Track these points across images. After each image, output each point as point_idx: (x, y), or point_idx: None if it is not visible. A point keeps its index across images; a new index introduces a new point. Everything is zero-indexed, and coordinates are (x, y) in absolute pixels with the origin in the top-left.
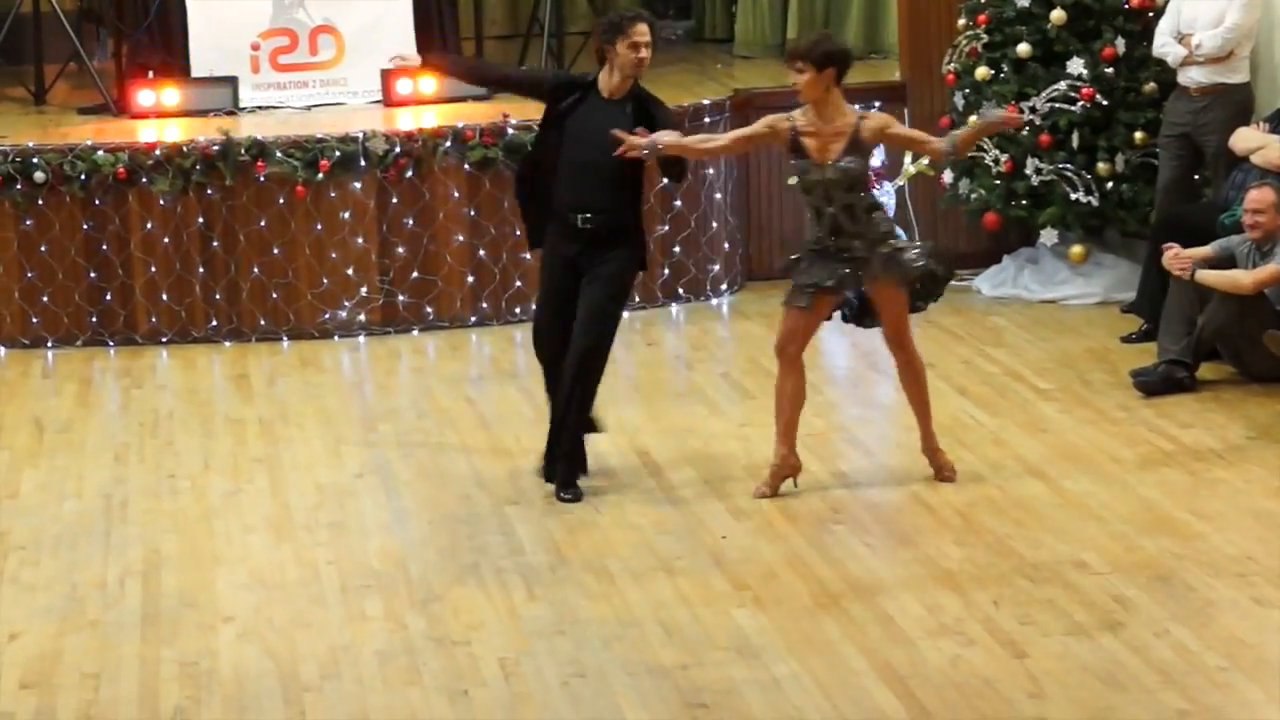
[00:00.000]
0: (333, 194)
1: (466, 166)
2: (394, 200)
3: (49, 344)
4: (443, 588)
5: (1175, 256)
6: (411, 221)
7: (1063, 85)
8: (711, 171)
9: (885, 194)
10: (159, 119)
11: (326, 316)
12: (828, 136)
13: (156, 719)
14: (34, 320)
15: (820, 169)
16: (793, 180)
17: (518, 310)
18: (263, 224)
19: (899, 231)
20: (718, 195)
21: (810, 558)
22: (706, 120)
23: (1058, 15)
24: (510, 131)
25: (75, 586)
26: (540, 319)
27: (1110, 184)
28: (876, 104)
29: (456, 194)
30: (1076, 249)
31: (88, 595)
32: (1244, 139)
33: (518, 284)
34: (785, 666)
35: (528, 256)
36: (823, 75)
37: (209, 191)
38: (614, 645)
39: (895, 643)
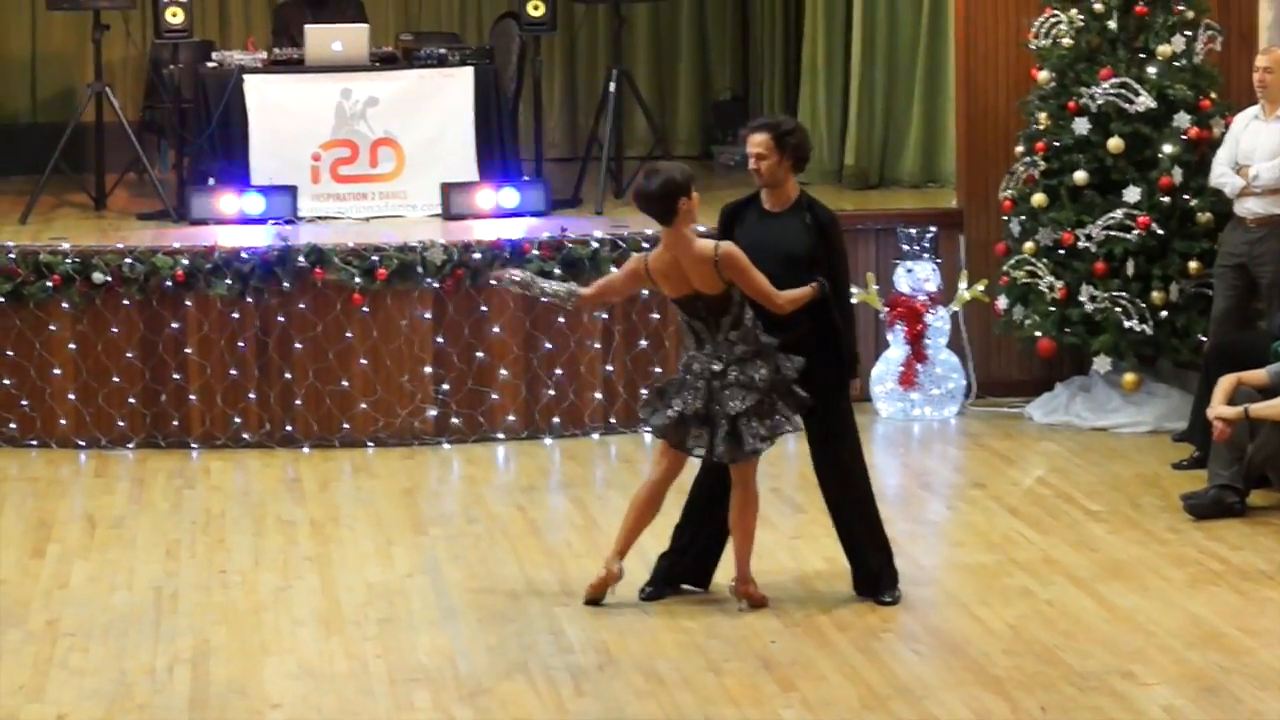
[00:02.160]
0: (389, 303)
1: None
2: (450, 311)
3: (103, 444)
4: (491, 683)
5: (1218, 418)
6: (467, 332)
7: (1119, 213)
8: None
9: (940, 318)
10: (218, 225)
11: (380, 425)
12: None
13: None
14: (88, 420)
15: None
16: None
17: (571, 424)
18: (319, 330)
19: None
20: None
21: (858, 662)
22: None
23: (1115, 144)
24: (568, 245)
25: (124, 673)
26: None
27: (1164, 313)
28: (933, 229)
29: (513, 306)
30: (1129, 377)
31: (136, 681)
32: None
33: (571, 398)
34: None
35: (582, 369)
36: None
37: (266, 297)
38: None
39: None
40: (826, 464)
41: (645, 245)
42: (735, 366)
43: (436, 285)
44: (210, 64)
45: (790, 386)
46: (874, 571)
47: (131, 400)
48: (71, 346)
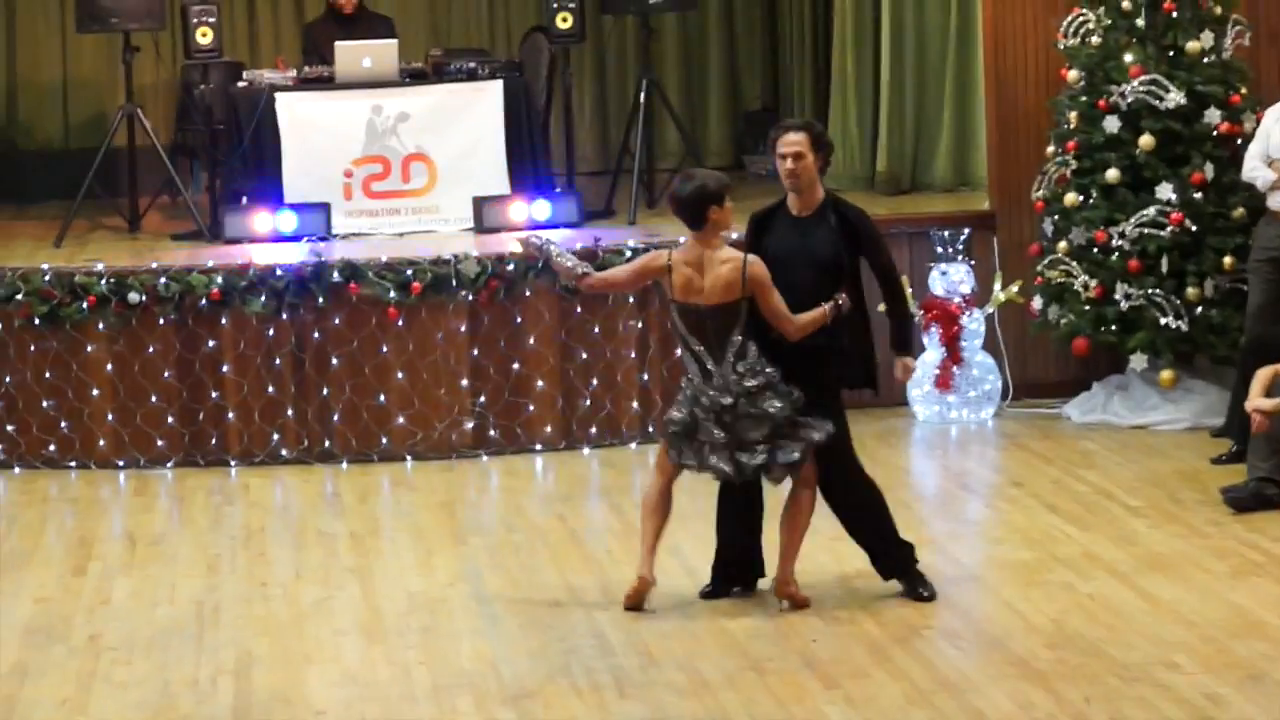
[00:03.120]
0: (424, 316)
1: (558, 289)
2: (485, 323)
3: (141, 463)
4: (534, 686)
5: (1256, 410)
6: (503, 344)
7: (1151, 210)
8: None
9: (975, 320)
10: (251, 244)
11: (418, 438)
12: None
13: None
14: (126, 440)
15: None
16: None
17: (608, 433)
18: (354, 345)
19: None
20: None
21: (901, 659)
22: None
23: (1146, 141)
24: (601, 254)
25: (167, 684)
26: None
27: (1200, 309)
28: (966, 231)
29: (548, 317)
30: (1166, 374)
31: (180, 692)
32: None
33: (608, 407)
34: None
35: (619, 379)
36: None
37: (301, 313)
38: None
39: None
40: (829, 475)
41: None
42: (745, 400)
43: (471, 298)
44: (241, 84)
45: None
46: (901, 569)
47: (169, 419)
48: (109, 367)
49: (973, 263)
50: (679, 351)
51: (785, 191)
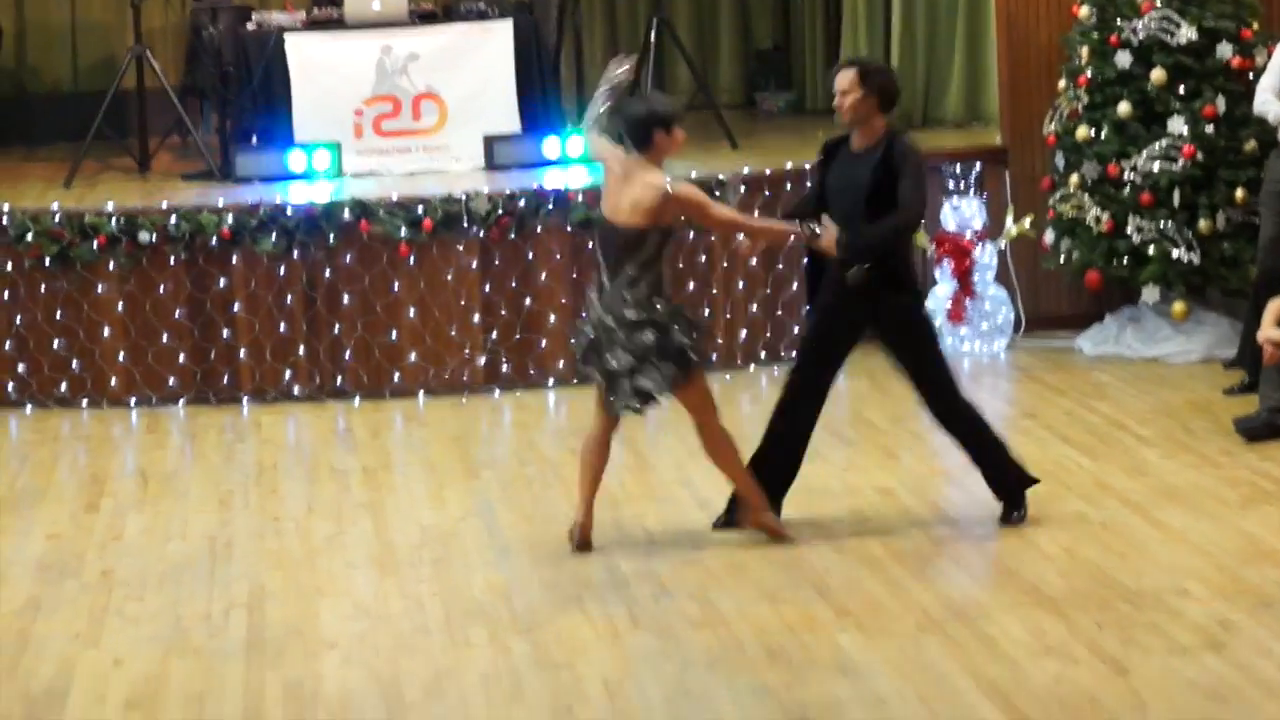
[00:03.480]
0: (436, 253)
1: (569, 227)
2: (497, 260)
3: (153, 402)
4: (546, 616)
5: (1268, 340)
6: (514, 281)
7: (1163, 144)
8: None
9: (987, 254)
10: (262, 183)
11: (430, 375)
12: None
13: None
14: (138, 379)
15: None
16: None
17: None
18: (366, 283)
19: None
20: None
21: (913, 587)
22: (809, 183)
23: (1158, 75)
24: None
25: (180, 618)
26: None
27: (1211, 242)
28: (978, 166)
29: (559, 254)
30: (1178, 306)
31: (192, 626)
32: None
33: None
34: (889, 684)
35: None
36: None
37: (312, 251)
38: (717, 667)
39: (999, 662)
40: (930, 403)
41: None
42: (624, 329)
43: (482, 235)
44: (250, 26)
45: (678, 351)
46: (1000, 491)
47: (181, 358)
48: (120, 306)
49: (984, 197)
50: None
51: (791, 129)
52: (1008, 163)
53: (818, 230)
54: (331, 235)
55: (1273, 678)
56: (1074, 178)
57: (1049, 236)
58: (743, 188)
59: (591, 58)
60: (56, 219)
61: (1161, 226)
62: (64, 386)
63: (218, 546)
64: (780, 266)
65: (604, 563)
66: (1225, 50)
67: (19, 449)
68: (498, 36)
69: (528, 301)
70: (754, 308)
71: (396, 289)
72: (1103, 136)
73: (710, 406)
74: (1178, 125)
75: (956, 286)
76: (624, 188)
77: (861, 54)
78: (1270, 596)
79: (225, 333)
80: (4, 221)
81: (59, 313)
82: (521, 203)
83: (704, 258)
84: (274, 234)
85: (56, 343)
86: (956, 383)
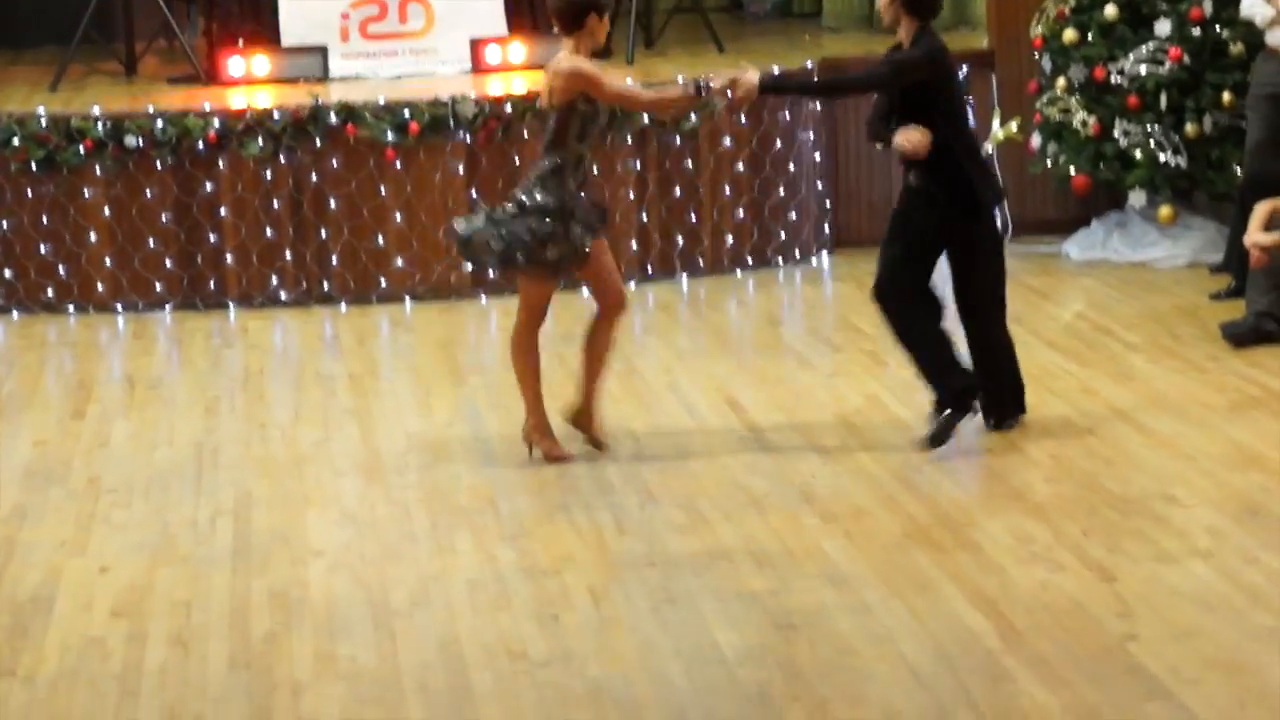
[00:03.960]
0: (422, 158)
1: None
2: (484, 164)
3: (140, 307)
4: (532, 524)
5: (1255, 244)
6: (501, 185)
7: (1150, 47)
8: (803, 136)
9: None
10: (248, 87)
11: (416, 280)
12: None
13: (247, 642)
14: (124, 284)
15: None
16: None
17: None
18: (352, 188)
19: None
20: (806, 161)
21: (899, 494)
22: None
23: None
24: None
25: (166, 525)
26: None
27: (1198, 145)
28: (964, 69)
29: None
30: (1165, 210)
31: (179, 533)
32: None
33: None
34: (875, 592)
35: (617, 218)
36: None
37: (299, 155)
38: (703, 574)
39: (984, 569)
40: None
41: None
42: (512, 204)
43: (469, 139)
44: None
45: (533, 239)
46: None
47: (167, 263)
48: (106, 211)
49: (971, 101)
50: None
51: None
52: (994, 66)
53: (710, 85)
54: (317, 139)
55: (1259, 585)
56: (1061, 81)
57: (1035, 141)
58: (729, 91)
59: None
60: (42, 123)
61: (1148, 130)
62: (50, 292)
63: (204, 453)
64: (768, 170)
65: (590, 469)
66: None
67: (5, 355)
68: None
69: None
70: (740, 212)
71: (383, 193)
72: (1089, 39)
73: (532, 310)
74: (1164, 28)
75: None
76: (547, 79)
77: None
78: (1257, 503)
79: (212, 238)
80: None
81: (45, 218)
82: (508, 107)
83: (689, 162)
84: (260, 139)
85: (42, 248)
86: (998, 317)
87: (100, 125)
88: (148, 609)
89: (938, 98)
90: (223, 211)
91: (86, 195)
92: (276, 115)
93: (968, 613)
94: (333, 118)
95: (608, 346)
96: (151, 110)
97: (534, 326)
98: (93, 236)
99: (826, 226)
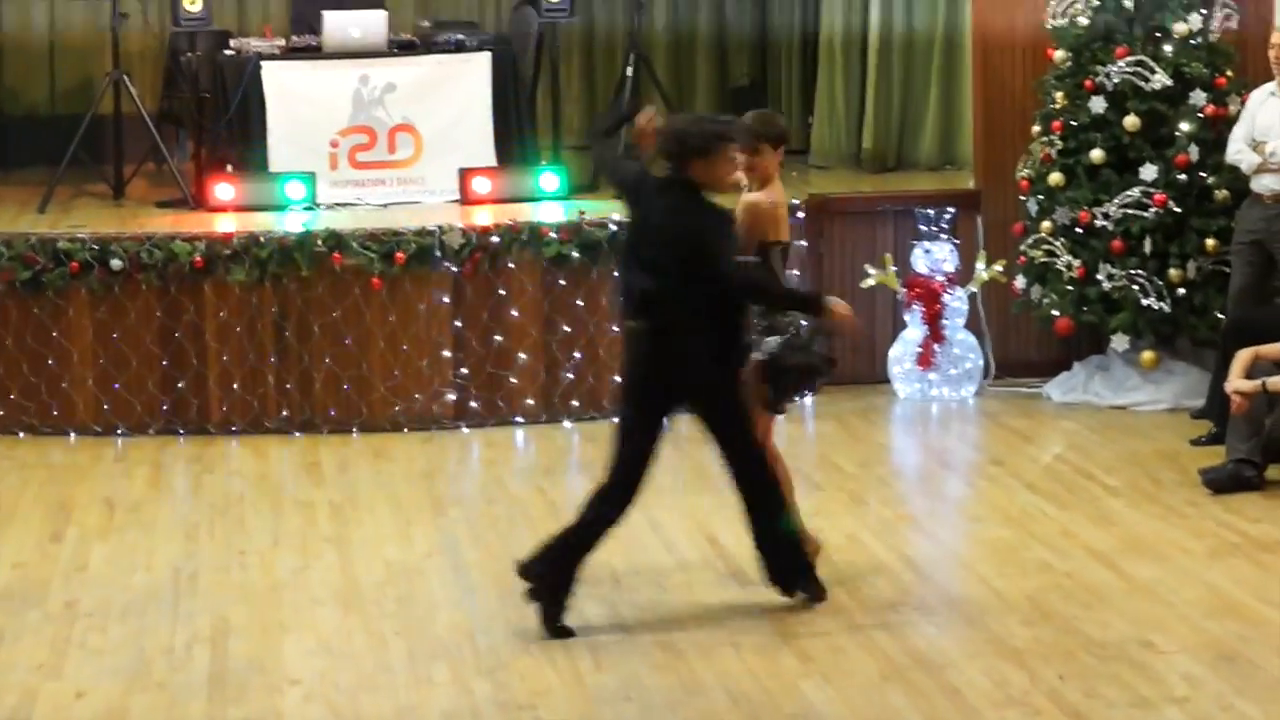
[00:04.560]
0: (408, 287)
1: (542, 263)
2: (469, 294)
3: (121, 431)
4: (510, 657)
5: (1236, 391)
6: (486, 315)
7: (1136, 191)
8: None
9: (957, 299)
10: (236, 213)
11: (399, 409)
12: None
13: None
14: (106, 407)
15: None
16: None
17: (589, 407)
18: (337, 315)
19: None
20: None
21: (877, 635)
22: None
23: (1132, 122)
24: (586, 228)
25: (143, 651)
26: None
27: (1182, 290)
28: (951, 210)
29: (531, 289)
30: (1147, 355)
31: (155, 659)
32: None
33: (590, 380)
34: None
35: (601, 352)
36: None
37: (284, 282)
38: (680, 710)
39: (962, 713)
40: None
41: None
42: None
43: (455, 269)
44: (228, 52)
45: None
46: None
47: (150, 387)
48: (91, 334)
49: (957, 241)
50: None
51: None
52: (980, 207)
53: None
54: (304, 266)
55: None
56: (1046, 223)
57: (1020, 282)
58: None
59: (568, 92)
60: (30, 244)
61: (1132, 274)
62: (32, 413)
63: (182, 579)
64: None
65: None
66: (1199, 98)
67: None
68: (475, 69)
69: (498, 338)
70: None
71: (368, 321)
72: (1075, 182)
73: None
74: (1150, 173)
75: (926, 331)
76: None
77: (837, 93)
78: (1234, 650)
79: (195, 363)
80: None
81: (29, 339)
82: (495, 238)
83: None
84: (246, 264)
85: (26, 369)
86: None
87: (87, 247)
88: None
89: None
90: (207, 336)
91: (71, 317)
92: (263, 241)
93: None
94: (319, 245)
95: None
96: (139, 233)
97: None
98: (76, 358)
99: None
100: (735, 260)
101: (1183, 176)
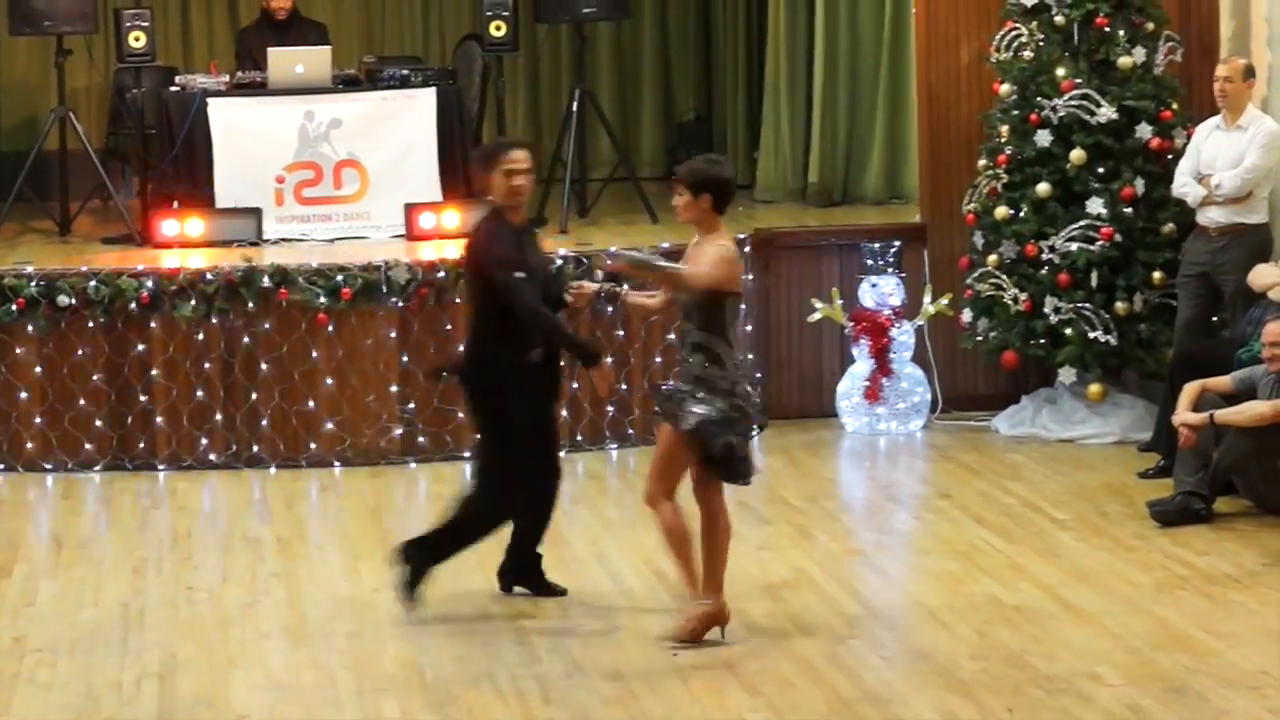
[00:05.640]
0: (355, 322)
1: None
2: (415, 330)
3: (69, 467)
4: (458, 691)
5: (1183, 424)
6: (433, 350)
7: (1082, 225)
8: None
9: (904, 333)
10: (183, 248)
11: (346, 444)
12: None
13: None
14: (54, 443)
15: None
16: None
17: None
18: (284, 351)
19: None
20: (737, 332)
21: (825, 668)
22: None
23: (1077, 155)
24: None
25: (91, 686)
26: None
27: (1129, 323)
28: (897, 244)
29: None
30: (1094, 388)
31: (103, 694)
32: (1262, 275)
33: None
34: None
35: None
36: (699, 200)
37: (231, 318)
38: None
39: None
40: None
41: (608, 262)
42: None
43: (401, 304)
44: (173, 88)
45: None
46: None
47: (98, 423)
48: (37, 370)
49: (903, 275)
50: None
51: None
52: (926, 241)
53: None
54: (250, 302)
55: None
56: (992, 257)
57: (966, 316)
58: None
59: (513, 127)
60: None
61: (1079, 307)
62: None
63: (130, 614)
64: None
65: (517, 637)
66: (1145, 131)
67: None
68: (420, 104)
69: (445, 373)
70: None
71: (315, 357)
72: (1022, 216)
73: None
74: (1096, 206)
75: (873, 365)
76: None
77: (782, 127)
78: (1181, 682)
79: (142, 398)
80: None
81: None
82: (441, 273)
83: (621, 331)
84: (193, 300)
85: None
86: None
87: (33, 284)
88: None
89: None
90: (154, 372)
91: (17, 353)
92: (210, 277)
93: None
94: (266, 281)
95: None
96: (85, 269)
97: None
98: (23, 395)
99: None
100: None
101: (1129, 210)
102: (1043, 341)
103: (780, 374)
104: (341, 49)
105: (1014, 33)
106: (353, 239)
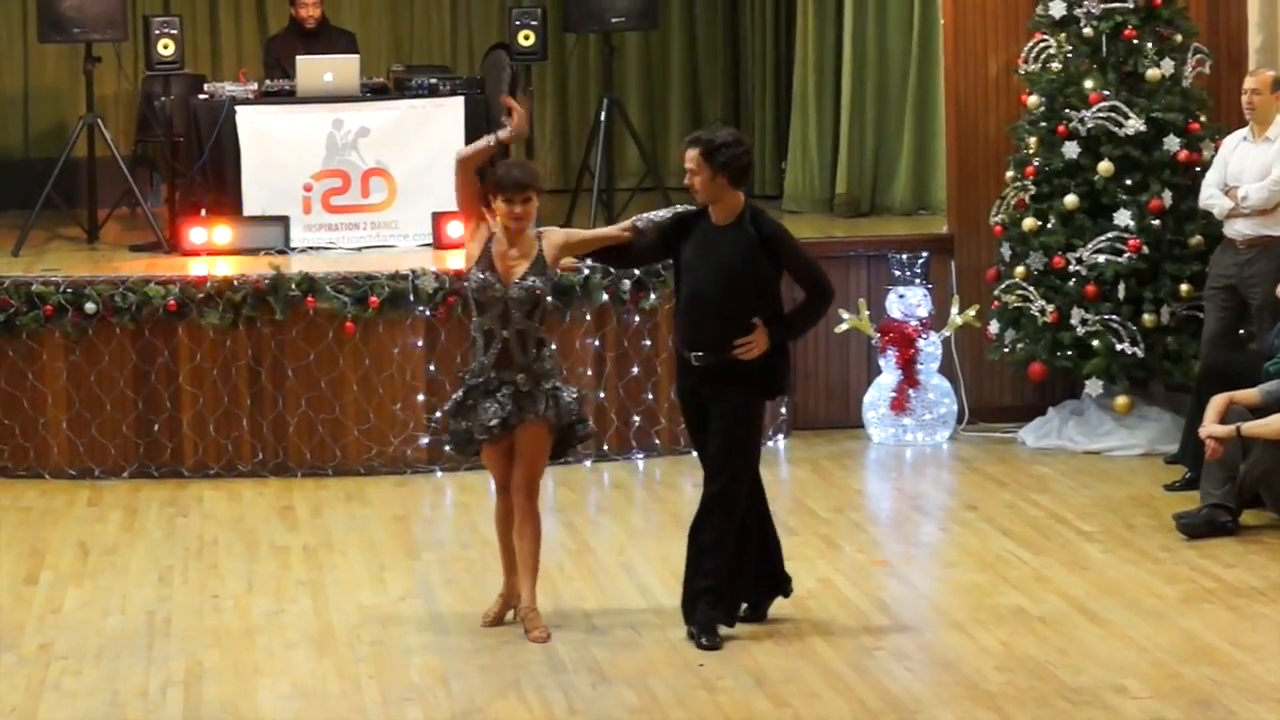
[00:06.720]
0: (382, 331)
1: None
2: (442, 338)
3: (95, 474)
4: (484, 701)
5: (1210, 436)
6: (459, 359)
7: (1109, 237)
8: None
9: (931, 344)
10: (210, 256)
11: (373, 453)
12: (512, 258)
13: None
14: (81, 450)
15: (503, 286)
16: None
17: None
18: (311, 359)
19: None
20: None
21: (852, 679)
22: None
23: (1105, 167)
24: (559, 273)
25: (117, 694)
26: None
27: (1155, 335)
28: (924, 255)
29: None
30: (1121, 400)
31: (129, 702)
32: None
33: None
34: None
35: None
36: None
37: (258, 326)
38: None
39: None
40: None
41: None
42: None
43: (428, 313)
44: (202, 96)
45: None
46: (703, 596)
47: (125, 430)
48: (64, 377)
49: (930, 286)
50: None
51: None
52: (954, 252)
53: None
54: (278, 310)
55: None
56: (1020, 268)
57: (993, 327)
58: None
59: (541, 137)
60: (3, 287)
61: (1106, 319)
62: (6, 456)
63: (156, 622)
64: None
65: (543, 648)
66: (1173, 143)
67: None
68: (448, 113)
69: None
70: None
71: (341, 365)
72: (1049, 227)
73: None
74: (1124, 218)
75: (900, 376)
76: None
77: (810, 138)
78: (1207, 695)
79: (169, 406)
80: None
81: (3, 381)
82: (468, 283)
83: (648, 341)
84: (220, 308)
85: (0, 412)
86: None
87: (61, 291)
88: None
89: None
90: (181, 380)
91: (45, 360)
92: (237, 285)
93: None
94: (293, 289)
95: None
96: (113, 277)
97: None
98: (51, 401)
99: (784, 409)
100: None
101: (1156, 222)
102: (1070, 353)
103: (807, 384)
104: (370, 58)
105: (1042, 44)
106: (380, 247)
